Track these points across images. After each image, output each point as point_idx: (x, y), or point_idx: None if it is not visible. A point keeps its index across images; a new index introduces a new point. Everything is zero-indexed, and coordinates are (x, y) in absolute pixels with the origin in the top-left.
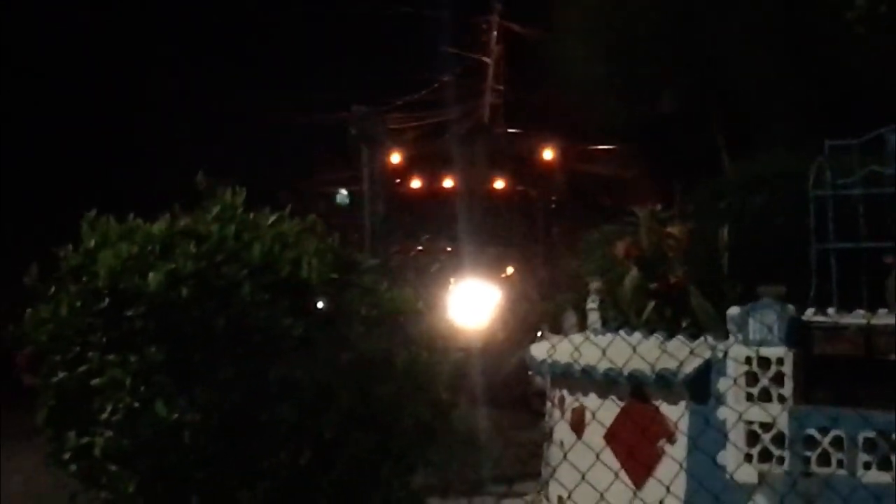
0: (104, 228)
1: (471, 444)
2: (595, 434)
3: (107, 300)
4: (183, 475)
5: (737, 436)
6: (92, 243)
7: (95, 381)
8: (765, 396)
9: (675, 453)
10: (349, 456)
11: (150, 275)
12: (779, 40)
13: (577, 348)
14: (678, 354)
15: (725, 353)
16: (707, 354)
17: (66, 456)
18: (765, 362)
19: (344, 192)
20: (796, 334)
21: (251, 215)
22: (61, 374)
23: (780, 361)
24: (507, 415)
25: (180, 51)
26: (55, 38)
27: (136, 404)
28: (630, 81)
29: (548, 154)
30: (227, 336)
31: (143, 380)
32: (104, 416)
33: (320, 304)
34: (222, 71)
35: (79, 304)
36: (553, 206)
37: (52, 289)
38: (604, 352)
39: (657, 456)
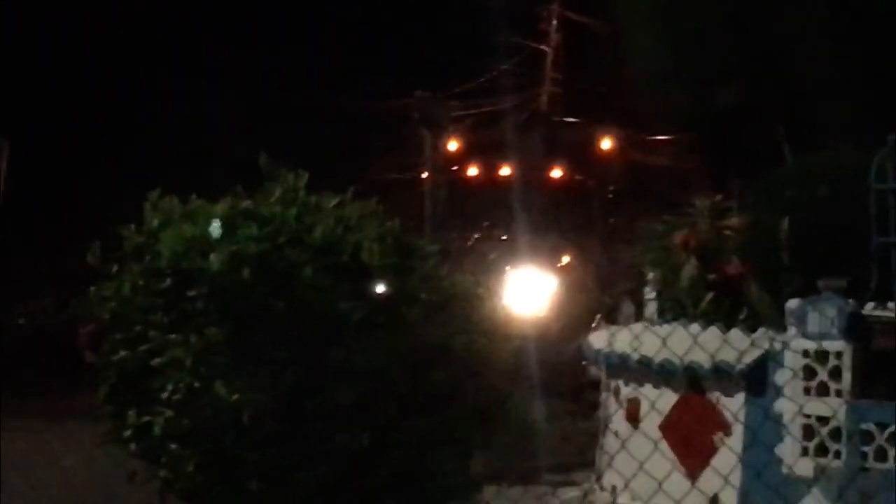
0: (167, 209)
1: (527, 432)
2: (651, 425)
3: (169, 280)
4: (241, 455)
5: (794, 429)
6: (155, 223)
7: (156, 361)
8: (822, 390)
9: (732, 446)
10: (406, 441)
11: (212, 256)
12: (842, 31)
13: (636, 338)
14: (737, 346)
15: (784, 346)
16: (765, 347)
17: (127, 434)
18: (823, 356)
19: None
20: (856, 328)
21: (313, 198)
22: (122, 353)
23: (839, 355)
24: (563, 404)
25: (242, 34)
26: (120, 18)
27: (197, 384)
28: (690, 71)
29: (606, 144)
30: (288, 318)
31: (203, 360)
32: (164, 395)
33: (380, 289)
34: (283, 56)
35: (141, 283)
36: (610, 195)
37: (115, 268)
38: (664, 342)
39: (713, 448)
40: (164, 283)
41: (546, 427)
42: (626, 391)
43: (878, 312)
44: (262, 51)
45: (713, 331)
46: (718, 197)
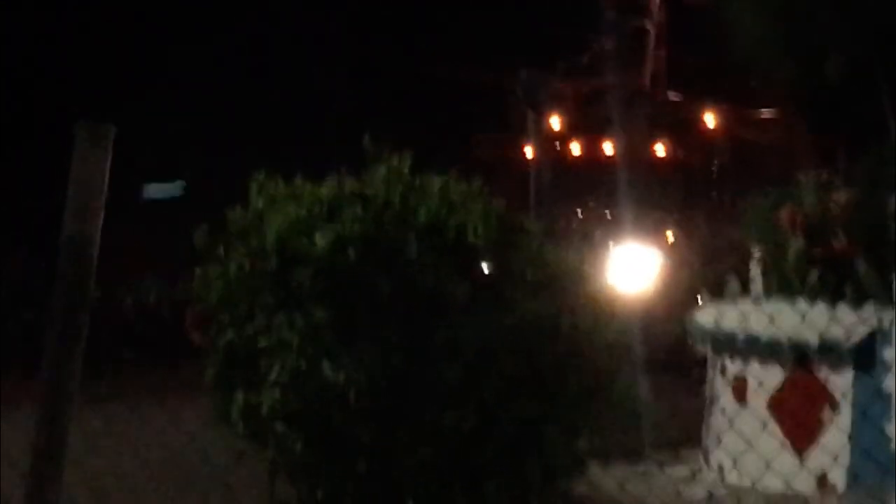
0: (272, 190)
1: (633, 410)
2: (758, 403)
3: (275, 261)
4: (349, 435)
5: None
6: (260, 205)
7: (263, 342)
8: None
9: (841, 422)
10: (513, 419)
11: (317, 237)
12: None
13: (744, 315)
14: (845, 323)
15: (892, 323)
16: (873, 323)
17: (234, 415)
18: None
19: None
20: None
21: (417, 179)
22: (230, 334)
23: None
24: (668, 381)
25: (344, 9)
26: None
27: (303, 365)
28: (795, 46)
29: (709, 120)
30: (393, 298)
31: (309, 340)
32: (271, 376)
33: (485, 268)
34: (386, 33)
35: (247, 264)
36: (714, 172)
37: (221, 249)
38: (771, 319)
39: (821, 425)
40: (270, 264)
41: (652, 405)
42: (733, 369)
43: None
44: (366, 27)
45: (820, 308)
46: (824, 172)
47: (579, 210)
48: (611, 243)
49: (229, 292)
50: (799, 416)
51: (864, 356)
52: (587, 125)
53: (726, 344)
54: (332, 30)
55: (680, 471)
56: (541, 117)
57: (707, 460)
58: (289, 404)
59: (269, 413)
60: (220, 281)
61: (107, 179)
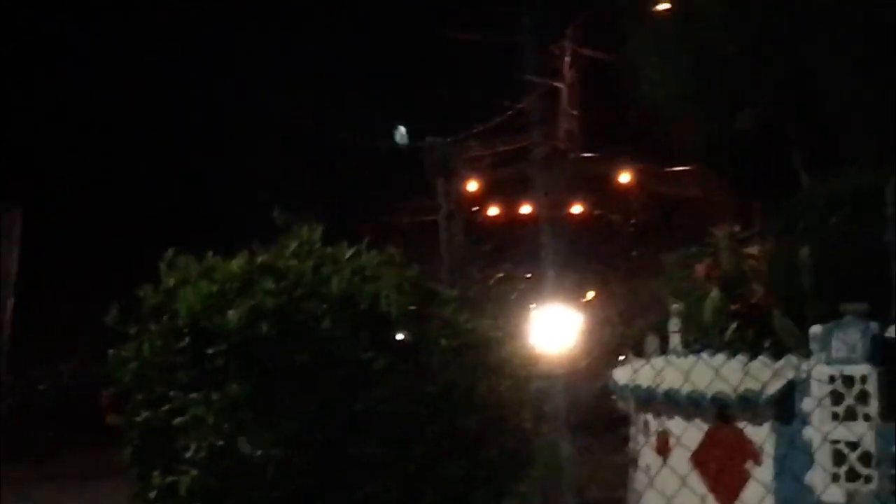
0: (183, 267)
1: (557, 471)
2: (680, 458)
3: (188, 339)
4: None
5: (823, 456)
6: (171, 282)
7: (179, 420)
8: (850, 415)
9: (762, 475)
10: (437, 487)
11: (230, 312)
12: (862, 53)
13: (658, 372)
14: (761, 375)
15: (809, 373)
16: (791, 374)
17: (152, 495)
18: (849, 381)
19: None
20: (880, 352)
21: (329, 249)
22: (145, 414)
23: (864, 379)
24: (592, 440)
25: (256, 81)
26: (139, 71)
27: (220, 442)
28: (706, 100)
29: (624, 177)
30: (310, 370)
31: (226, 417)
32: (188, 454)
33: (400, 337)
34: (296, 101)
35: (160, 343)
36: (631, 228)
37: (134, 329)
38: (686, 375)
39: (744, 478)
40: (183, 341)
41: (577, 464)
42: (655, 425)
43: None
44: (277, 97)
45: (737, 361)
46: (737, 226)
47: (497, 272)
48: (532, 305)
49: (143, 372)
50: (722, 470)
51: (782, 408)
52: (504, 187)
53: (647, 400)
54: (242, 102)
55: None
56: (450, 184)
57: None
58: (207, 483)
59: (187, 492)
60: (133, 361)
61: (16, 262)
